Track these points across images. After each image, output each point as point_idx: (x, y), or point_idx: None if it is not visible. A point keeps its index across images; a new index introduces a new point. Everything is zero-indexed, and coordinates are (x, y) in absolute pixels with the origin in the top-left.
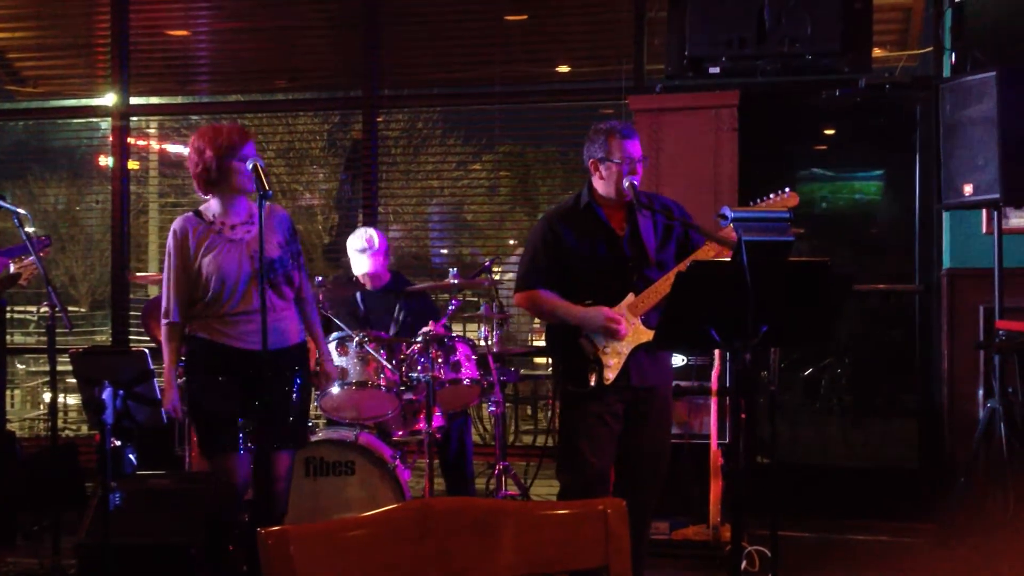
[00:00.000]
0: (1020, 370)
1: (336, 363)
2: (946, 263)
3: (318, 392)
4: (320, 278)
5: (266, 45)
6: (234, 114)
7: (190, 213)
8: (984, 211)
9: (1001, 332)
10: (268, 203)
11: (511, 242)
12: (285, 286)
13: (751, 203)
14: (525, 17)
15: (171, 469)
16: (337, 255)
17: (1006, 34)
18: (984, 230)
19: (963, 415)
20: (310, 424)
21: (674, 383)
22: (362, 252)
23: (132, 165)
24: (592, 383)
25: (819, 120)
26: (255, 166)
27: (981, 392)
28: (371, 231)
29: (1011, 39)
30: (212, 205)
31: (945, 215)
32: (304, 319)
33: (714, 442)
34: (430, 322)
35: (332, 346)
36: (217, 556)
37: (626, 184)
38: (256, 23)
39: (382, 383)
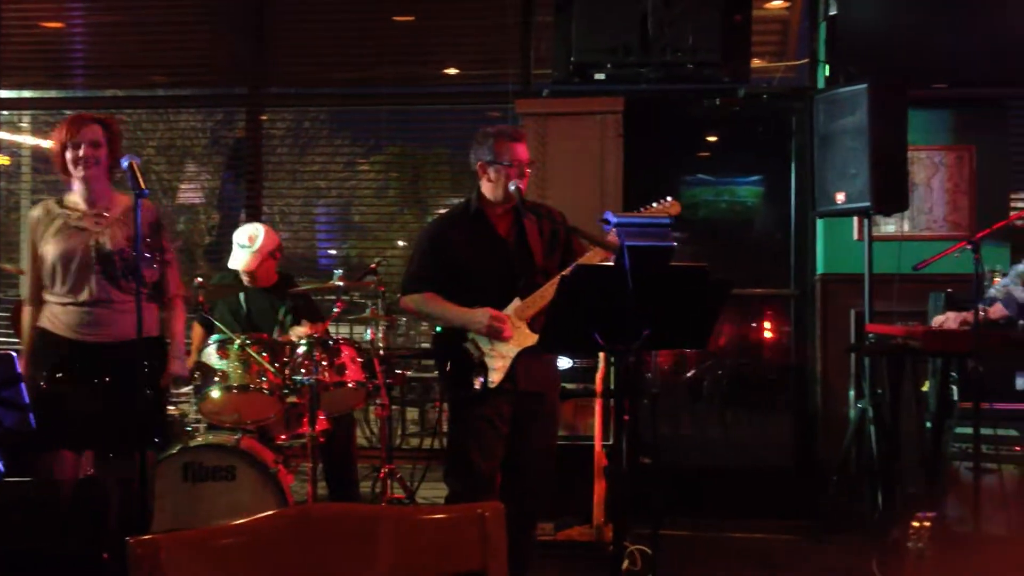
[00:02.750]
0: (888, 372)
1: (216, 366)
2: (820, 269)
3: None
4: (199, 279)
5: (146, 39)
6: (112, 109)
7: (51, 199)
8: (855, 219)
9: (871, 335)
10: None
11: (400, 244)
12: (125, 279)
13: (635, 211)
14: (413, 19)
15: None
16: (219, 255)
17: (877, 48)
18: (855, 237)
19: (836, 415)
20: (173, 423)
21: (560, 385)
22: (243, 247)
23: (3, 160)
24: (477, 386)
25: (701, 128)
26: (131, 164)
27: (852, 393)
28: (259, 228)
29: (881, 53)
30: (74, 191)
31: (819, 222)
32: (166, 317)
33: (598, 443)
34: (304, 322)
35: (212, 348)
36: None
37: (512, 188)
38: (135, 16)
39: (264, 386)
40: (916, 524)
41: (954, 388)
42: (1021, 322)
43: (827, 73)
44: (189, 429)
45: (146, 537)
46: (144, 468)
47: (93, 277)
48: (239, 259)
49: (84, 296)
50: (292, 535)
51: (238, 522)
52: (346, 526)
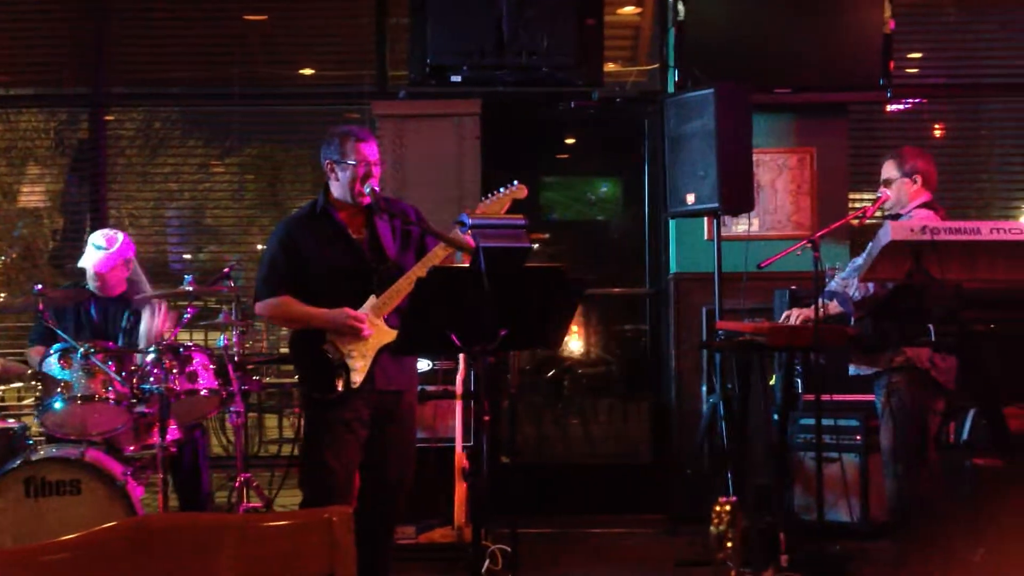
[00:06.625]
0: (737, 367)
1: (59, 376)
2: (673, 268)
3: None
4: (39, 286)
5: None
6: None
7: None
8: (706, 219)
9: (721, 332)
10: None
11: (258, 247)
12: None
13: (483, 198)
14: (265, 17)
15: None
16: (62, 261)
17: (722, 53)
18: (706, 237)
19: (689, 410)
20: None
21: (420, 387)
22: (98, 248)
23: None
24: (340, 388)
25: (558, 130)
26: None
27: (705, 388)
28: (120, 234)
29: (727, 58)
30: None
31: (671, 222)
32: None
33: (459, 445)
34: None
35: (54, 358)
36: None
37: (366, 189)
38: None
39: (111, 396)
40: (716, 508)
41: (798, 381)
42: (853, 319)
43: (676, 78)
44: (31, 442)
45: None
46: None
47: None
48: (90, 257)
49: None
50: (129, 547)
51: (70, 536)
52: (187, 536)
